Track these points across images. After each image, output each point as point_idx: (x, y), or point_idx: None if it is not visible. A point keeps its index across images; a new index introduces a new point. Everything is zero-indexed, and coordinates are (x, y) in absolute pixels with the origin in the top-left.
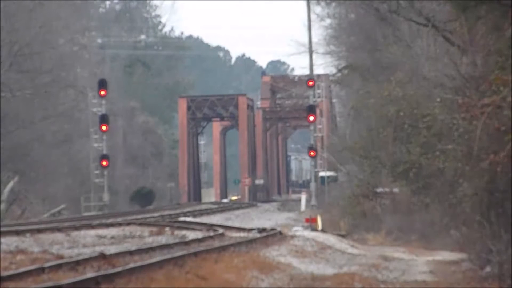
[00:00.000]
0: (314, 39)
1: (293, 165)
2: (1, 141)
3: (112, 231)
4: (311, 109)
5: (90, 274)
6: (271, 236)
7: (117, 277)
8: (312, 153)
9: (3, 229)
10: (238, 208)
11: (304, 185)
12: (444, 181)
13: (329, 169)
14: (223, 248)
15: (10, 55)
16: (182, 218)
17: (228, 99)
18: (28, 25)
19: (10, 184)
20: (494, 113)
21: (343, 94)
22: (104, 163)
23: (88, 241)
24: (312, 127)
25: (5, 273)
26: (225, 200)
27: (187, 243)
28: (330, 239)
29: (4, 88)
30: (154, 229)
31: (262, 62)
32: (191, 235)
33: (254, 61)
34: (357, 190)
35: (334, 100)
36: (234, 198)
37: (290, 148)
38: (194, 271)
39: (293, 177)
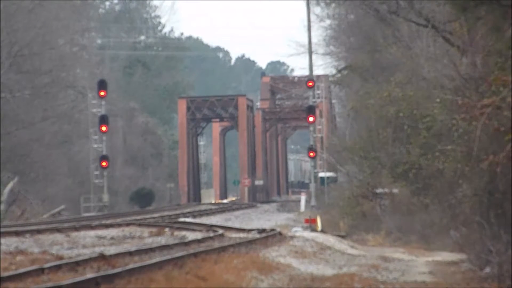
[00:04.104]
0: (313, 40)
1: None
2: (1, 141)
3: (112, 232)
4: (311, 110)
5: (89, 274)
6: (270, 236)
7: (117, 278)
8: (311, 154)
9: (3, 229)
10: (237, 209)
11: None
12: (444, 181)
13: (328, 170)
14: (223, 249)
15: (10, 55)
16: (181, 219)
17: (228, 100)
18: (27, 26)
19: (10, 185)
20: (494, 113)
21: (343, 95)
22: (104, 163)
23: (88, 242)
24: (311, 128)
25: (5, 274)
26: (225, 201)
27: (187, 243)
28: (330, 240)
29: (3, 88)
30: (154, 229)
31: (262, 63)
32: (190, 235)
33: (253, 62)
34: (356, 191)
35: (333, 101)
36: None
37: (289, 149)
38: (194, 271)
39: None
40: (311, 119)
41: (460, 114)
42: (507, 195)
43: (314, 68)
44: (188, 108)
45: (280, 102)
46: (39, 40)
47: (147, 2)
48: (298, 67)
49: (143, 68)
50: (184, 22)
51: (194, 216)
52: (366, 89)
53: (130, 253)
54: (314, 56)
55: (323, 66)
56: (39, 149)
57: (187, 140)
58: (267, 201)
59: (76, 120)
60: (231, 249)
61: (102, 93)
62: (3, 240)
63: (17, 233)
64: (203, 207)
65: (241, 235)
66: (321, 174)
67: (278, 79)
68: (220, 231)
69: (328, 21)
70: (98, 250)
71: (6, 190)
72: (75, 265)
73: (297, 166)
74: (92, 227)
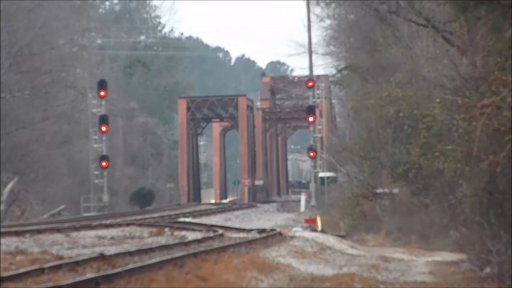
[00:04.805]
0: (313, 40)
1: None
2: (0, 141)
3: (112, 232)
4: (311, 110)
5: (89, 274)
6: (270, 236)
7: (117, 278)
8: (311, 154)
9: (3, 229)
10: (237, 209)
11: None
12: (444, 181)
13: (328, 170)
14: (223, 249)
15: (10, 55)
16: (181, 219)
17: (228, 100)
18: (28, 26)
19: (10, 185)
20: (494, 113)
21: (343, 95)
22: (104, 163)
23: (88, 242)
24: (311, 128)
25: (5, 274)
26: (225, 201)
27: (187, 243)
28: (330, 240)
29: (3, 88)
30: (154, 229)
31: (262, 63)
32: (190, 235)
33: (253, 62)
34: (356, 191)
35: (333, 101)
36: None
37: (289, 149)
38: (194, 271)
39: None
40: (311, 119)
41: (460, 114)
42: (507, 195)
43: (314, 68)
44: (188, 108)
45: (280, 102)
46: (39, 40)
47: (147, 2)
48: (298, 67)
49: (143, 68)
50: (184, 22)
51: (194, 216)
52: (366, 89)
53: (130, 253)
54: (314, 56)
55: (323, 66)
56: (39, 149)
57: (187, 140)
58: (267, 201)
59: (76, 120)
60: (231, 249)
61: (102, 93)
62: (3, 240)
63: (17, 233)
64: (203, 207)
65: (241, 235)
66: (321, 174)
67: (278, 79)
68: (220, 231)
69: (328, 21)
70: (98, 250)
71: (6, 190)
72: (75, 265)
73: (294, 166)
74: (92, 227)
